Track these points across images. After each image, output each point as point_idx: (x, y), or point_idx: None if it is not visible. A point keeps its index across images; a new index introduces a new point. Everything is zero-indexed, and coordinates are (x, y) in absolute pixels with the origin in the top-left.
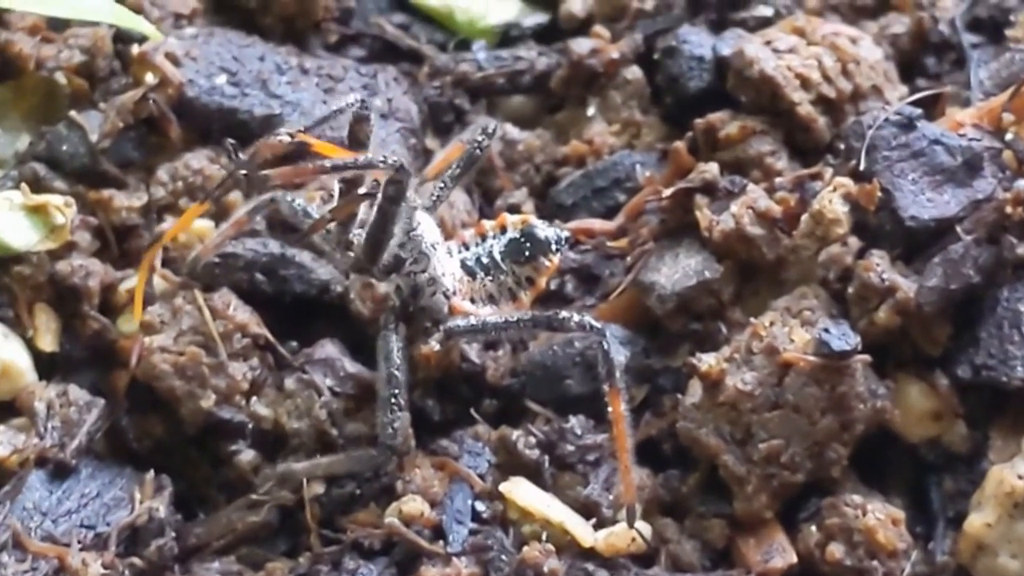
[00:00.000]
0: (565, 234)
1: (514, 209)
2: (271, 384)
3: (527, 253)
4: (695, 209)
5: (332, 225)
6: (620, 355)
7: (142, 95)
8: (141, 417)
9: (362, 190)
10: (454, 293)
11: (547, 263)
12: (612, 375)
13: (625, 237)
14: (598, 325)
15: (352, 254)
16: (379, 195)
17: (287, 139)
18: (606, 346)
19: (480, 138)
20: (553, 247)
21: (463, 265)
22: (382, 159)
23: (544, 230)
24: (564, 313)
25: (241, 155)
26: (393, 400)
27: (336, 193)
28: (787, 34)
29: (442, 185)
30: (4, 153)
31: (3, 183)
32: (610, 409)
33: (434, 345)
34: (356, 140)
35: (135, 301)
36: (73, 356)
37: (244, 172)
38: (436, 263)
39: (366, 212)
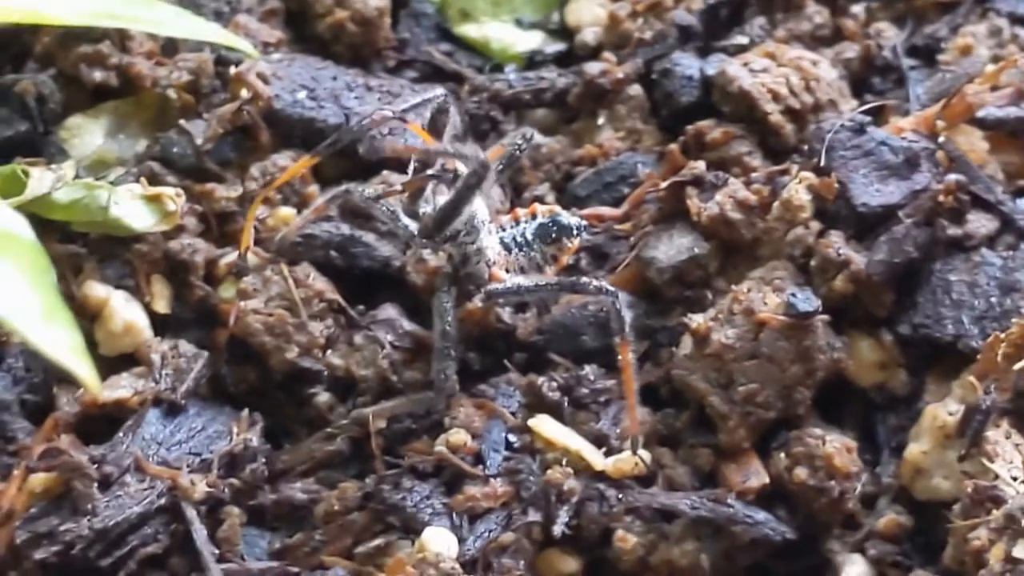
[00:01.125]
0: (584, 223)
1: (539, 200)
2: (343, 340)
3: (553, 235)
4: (686, 198)
5: (404, 197)
6: (628, 314)
7: (238, 107)
8: (237, 366)
9: (431, 172)
10: (494, 263)
11: (569, 244)
12: (622, 329)
13: (629, 222)
14: (612, 288)
15: (419, 223)
16: (461, 182)
17: (390, 115)
18: (618, 306)
19: (520, 142)
20: (574, 232)
21: (502, 242)
22: (473, 153)
23: (568, 218)
24: (584, 279)
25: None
26: (446, 351)
27: (410, 171)
28: (760, 58)
29: None
30: (127, 154)
31: (126, 178)
32: (620, 357)
33: (477, 303)
34: (435, 127)
35: (244, 232)
36: (182, 317)
37: (361, 135)
38: (483, 238)
39: (432, 189)
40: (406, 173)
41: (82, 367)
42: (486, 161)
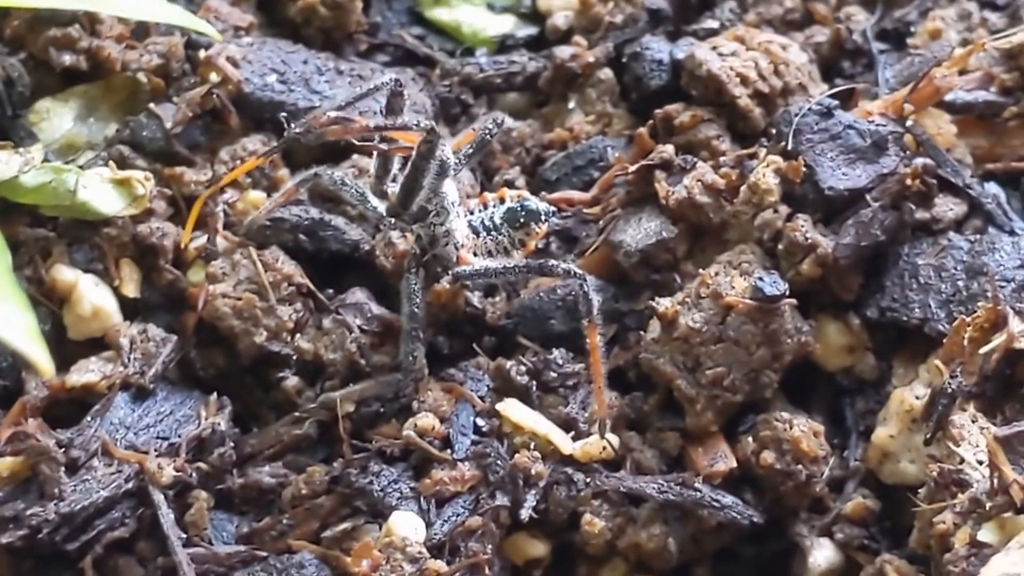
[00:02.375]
0: (552, 208)
1: (509, 184)
2: (312, 324)
3: (521, 220)
4: (655, 182)
5: (372, 178)
6: (596, 297)
7: (207, 91)
8: (206, 350)
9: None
10: (462, 246)
11: (537, 229)
12: (590, 312)
13: (598, 205)
14: (580, 271)
15: (387, 201)
16: (414, 151)
17: (333, 114)
18: (586, 288)
19: (491, 126)
20: (542, 217)
21: (470, 225)
22: (416, 122)
23: (536, 203)
24: (553, 262)
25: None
26: (414, 332)
27: (373, 161)
28: (730, 41)
29: (457, 162)
30: (96, 138)
31: (95, 162)
32: (588, 340)
33: (445, 284)
34: (391, 112)
35: (186, 226)
36: (151, 301)
37: (302, 129)
38: (452, 220)
39: (399, 169)
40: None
41: (33, 348)
42: (433, 127)
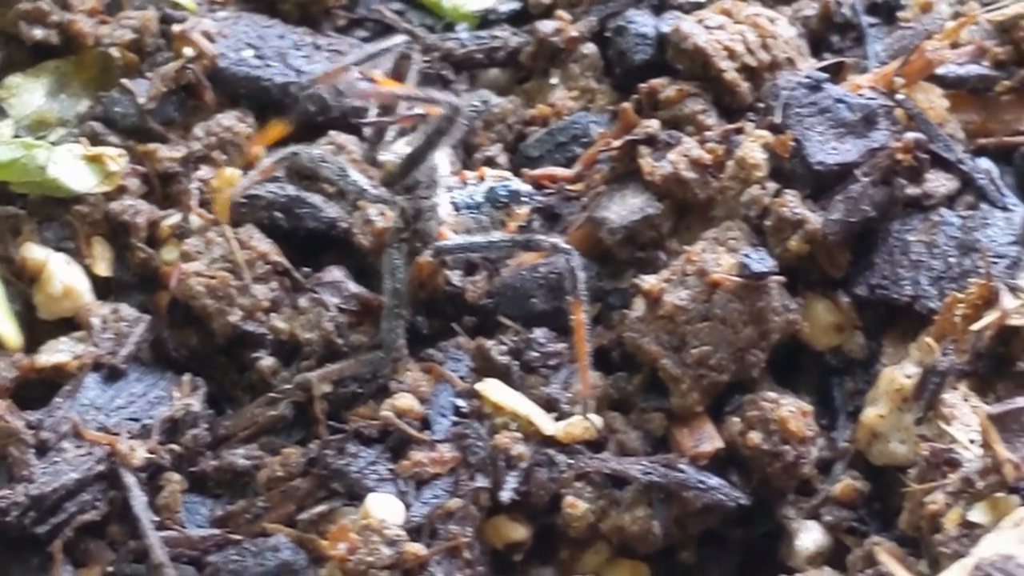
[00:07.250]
0: (534, 190)
1: (490, 161)
2: (287, 303)
3: (502, 200)
4: (639, 158)
5: (365, 144)
6: (582, 274)
7: (182, 66)
8: (179, 330)
9: (419, 111)
10: (443, 222)
11: (518, 211)
12: (576, 288)
13: (582, 182)
14: (566, 246)
15: (381, 169)
16: (431, 125)
17: (353, 70)
18: (573, 263)
19: (476, 104)
20: (523, 198)
21: (451, 202)
22: (444, 97)
23: (518, 184)
24: (539, 236)
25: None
26: (396, 309)
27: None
28: (716, 14)
29: None
30: (68, 114)
31: (67, 138)
32: (573, 317)
33: (427, 257)
34: (398, 75)
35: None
36: (124, 280)
37: (325, 89)
38: (440, 194)
39: (394, 137)
40: (354, 132)
41: (1, 322)
42: (458, 105)
